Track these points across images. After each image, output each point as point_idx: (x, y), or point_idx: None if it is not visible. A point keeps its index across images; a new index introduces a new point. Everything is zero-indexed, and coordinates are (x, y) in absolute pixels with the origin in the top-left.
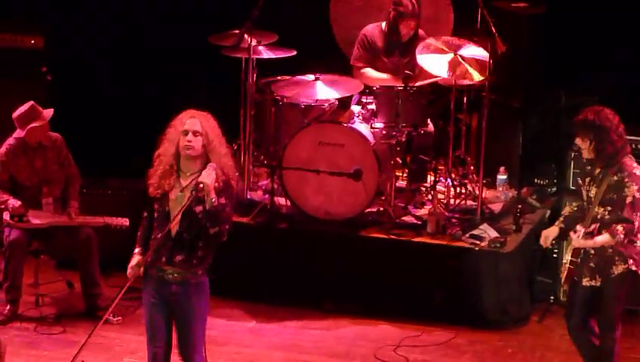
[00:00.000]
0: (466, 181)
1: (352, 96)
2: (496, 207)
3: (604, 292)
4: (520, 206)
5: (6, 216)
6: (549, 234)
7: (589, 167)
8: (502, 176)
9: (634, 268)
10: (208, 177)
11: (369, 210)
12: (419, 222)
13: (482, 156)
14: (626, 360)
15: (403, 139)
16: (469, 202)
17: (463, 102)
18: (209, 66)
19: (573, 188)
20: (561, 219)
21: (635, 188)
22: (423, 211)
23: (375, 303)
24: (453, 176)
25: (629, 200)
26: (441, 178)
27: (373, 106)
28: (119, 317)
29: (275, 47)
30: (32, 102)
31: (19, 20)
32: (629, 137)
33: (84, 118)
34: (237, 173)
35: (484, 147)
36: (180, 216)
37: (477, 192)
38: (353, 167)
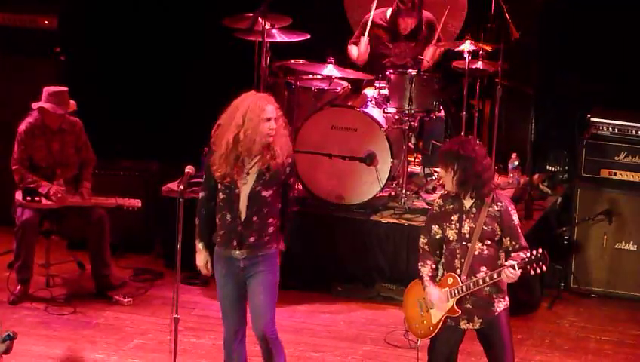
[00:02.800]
0: None
1: (365, 80)
2: (508, 193)
3: (494, 335)
4: (531, 192)
5: (18, 195)
6: (441, 296)
7: (451, 206)
8: (514, 163)
9: (507, 303)
10: None
11: (381, 194)
12: (430, 207)
13: (494, 142)
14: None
15: (415, 124)
16: None
17: (476, 89)
18: (222, 48)
19: (584, 175)
20: (429, 279)
21: (517, 216)
22: (435, 196)
23: (386, 288)
24: None
25: (519, 229)
26: None
27: (386, 91)
28: (129, 299)
29: (288, 30)
30: (67, 89)
31: (33, 0)
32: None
33: (96, 98)
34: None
35: (497, 133)
36: (247, 200)
37: None
38: (365, 152)
